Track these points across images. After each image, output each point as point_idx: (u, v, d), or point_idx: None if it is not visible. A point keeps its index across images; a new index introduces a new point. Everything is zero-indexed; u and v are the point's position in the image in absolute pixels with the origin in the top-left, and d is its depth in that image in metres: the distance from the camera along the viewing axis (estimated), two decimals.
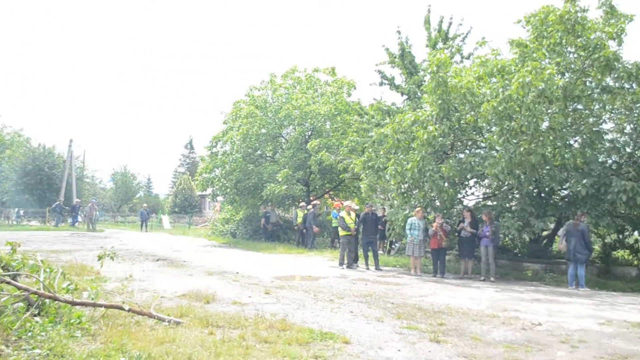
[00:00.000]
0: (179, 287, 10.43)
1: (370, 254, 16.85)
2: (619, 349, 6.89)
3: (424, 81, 18.64)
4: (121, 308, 6.93)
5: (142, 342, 5.82)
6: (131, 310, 6.95)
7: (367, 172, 17.68)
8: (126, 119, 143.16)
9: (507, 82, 13.91)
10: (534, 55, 14.37)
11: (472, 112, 14.98)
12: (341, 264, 16.38)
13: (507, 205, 16.57)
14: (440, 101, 15.02)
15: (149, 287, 10.42)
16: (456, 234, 16.02)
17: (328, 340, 6.60)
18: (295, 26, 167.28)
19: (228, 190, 27.14)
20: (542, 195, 16.28)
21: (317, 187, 28.38)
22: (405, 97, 21.38)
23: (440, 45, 20.48)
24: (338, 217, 17.55)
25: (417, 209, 15.80)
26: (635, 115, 15.12)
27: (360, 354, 6.11)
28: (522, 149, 13.48)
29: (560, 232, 15.34)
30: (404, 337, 7.02)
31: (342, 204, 18.66)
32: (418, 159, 14.97)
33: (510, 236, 16.28)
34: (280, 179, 24.26)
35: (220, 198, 32.38)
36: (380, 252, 18.72)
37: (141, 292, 9.60)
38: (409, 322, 7.99)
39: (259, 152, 27.91)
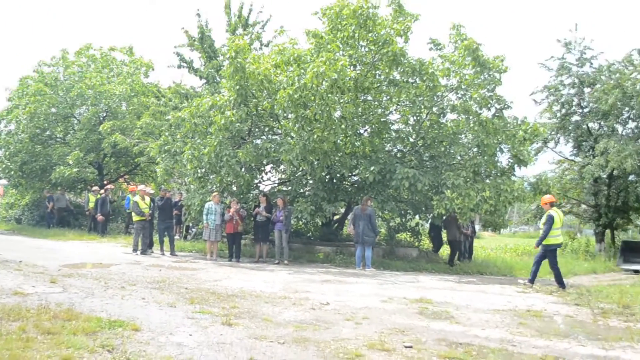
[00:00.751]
0: None
1: (166, 239, 16.78)
2: (398, 324, 7.51)
3: (223, 66, 18.84)
4: None
5: None
6: None
7: (163, 156, 17.49)
8: None
9: (302, 71, 14.55)
10: (329, 46, 15.24)
11: (269, 99, 15.49)
12: (135, 250, 16.10)
13: (301, 190, 17.47)
14: (238, 87, 15.32)
15: None
16: (252, 219, 16.52)
17: (117, 328, 6.51)
18: (90, 2, 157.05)
19: (12, 173, 25.49)
20: (334, 181, 17.42)
21: (112, 170, 27.43)
22: (204, 81, 21.45)
23: (240, 31, 20.87)
24: (131, 201, 17.17)
25: (214, 193, 16.04)
26: (418, 107, 16.71)
27: (151, 341, 6.12)
28: (315, 136, 14.31)
29: (350, 216, 16.52)
30: (196, 322, 7.12)
31: (137, 188, 18.26)
32: (215, 143, 15.17)
33: (303, 220, 17.17)
34: (71, 162, 23.03)
35: (3, 181, 29.77)
36: (176, 237, 18.71)
37: None
38: (202, 307, 8.10)
39: (48, 132, 26.21)
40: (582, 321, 8.47)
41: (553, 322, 8.25)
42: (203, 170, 16.31)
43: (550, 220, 12.29)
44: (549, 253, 12.57)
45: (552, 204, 12.86)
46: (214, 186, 16.75)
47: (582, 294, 11.42)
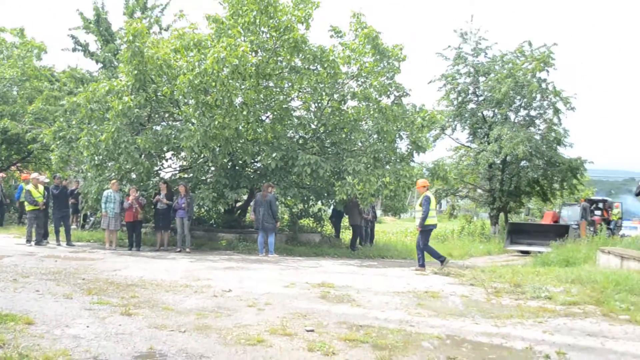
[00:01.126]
0: None
1: (62, 229, 16.29)
2: (300, 308, 7.62)
3: (121, 50, 18.45)
4: None
5: None
6: None
7: (58, 142, 16.95)
8: None
9: (203, 56, 14.57)
10: (230, 32, 15.27)
11: (169, 85, 15.41)
12: (29, 240, 15.54)
13: (203, 177, 17.43)
14: (136, 72, 15.09)
15: None
16: (152, 207, 16.37)
17: (9, 322, 6.28)
18: None
19: None
20: (236, 167, 17.52)
21: (2, 158, 26.09)
22: (100, 65, 20.92)
23: (138, 14, 20.48)
24: (24, 190, 16.56)
25: (113, 181, 15.78)
26: (320, 94, 17.05)
27: (45, 334, 5.95)
28: (216, 122, 14.36)
29: (252, 202, 16.68)
30: (93, 313, 7.00)
31: (29, 176, 17.59)
32: (113, 130, 14.90)
33: (205, 207, 17.16)
34: None
35: None
36: (73, 226, 18.23)
37: None
38: (100, 297, 7.96)
39: None
40: (477, 300, 8.89)
41: (450, 302, 8.64)
42: (100, 157, 15.99)
43: (428, 201, 12.82)
44: (425, 233, 13.07)
45: (427, 187, 13.36)
46: (112, 173, 16.48)
47: (477, 274, 11.96)
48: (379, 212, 32.48)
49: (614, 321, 7.45)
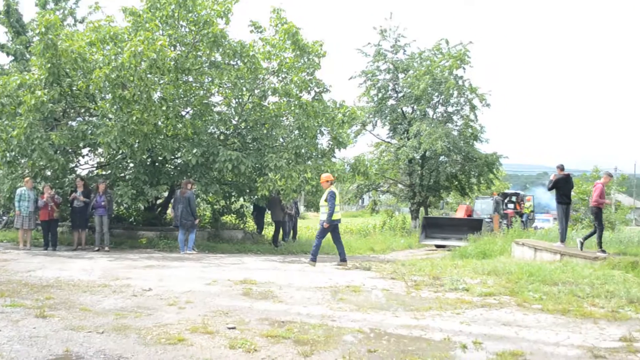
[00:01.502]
0: None
1: None
2: (222, 306, 7.54)
3: (33, 42, 17.91)
4: None
5: None
6: None
7: None
8: None
9: (120, 50, 14.35)
10: (147, 25, 15.09)
11: (85, 79, 15.03)
12: None
13: (122, 174, 17.15)
14: (49, 65, 14.67)
15: None
16: (68, 205, 16.01)
17: None
18: None
19: None
20: (156, 164, 17.35)
21: None
22: (11, 58, 20.22)
23: (51, 5, 19.91)
24: None
25: (26, 179, 15.30)
26: (240, 90, 17.13)
27: None
28: (134, 118, 14.17)
29: (172, 199, 16.58)
30: (6, 316, 6.73)
31: None
32: (25, 125, 14.44)
33: (125, 205, 16.89)
34: None
35: None
36: None
37: None
38: (14, 300, 7.66)
39: None
40: (397, 294, 9.06)
41: (371, 296, 8.76)
42: (12, 153, 15.45)
43: (333, 197, 12.87)
44: (327, 229, 13.09)
45: (331, 182, 13.39)
46: (26, 171, 15.97)
47: (397, 268, 12.24)
48: (301, 208, 32.85)
49: (527, 310, 7.78)
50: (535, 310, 7.82)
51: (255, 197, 17.48)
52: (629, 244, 15.39)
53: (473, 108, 30.55)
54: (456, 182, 32.30)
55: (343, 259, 13.08)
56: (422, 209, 31.66)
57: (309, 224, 33.01)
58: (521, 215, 32.44)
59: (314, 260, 12.89)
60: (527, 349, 5.79)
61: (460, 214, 27.59)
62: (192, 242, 15.06)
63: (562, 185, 14.36)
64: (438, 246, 24.63)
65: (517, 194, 34.24)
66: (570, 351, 5.77)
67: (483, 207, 29.24)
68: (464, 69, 29.34)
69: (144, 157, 16.28)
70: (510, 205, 32.43)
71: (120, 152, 16.34)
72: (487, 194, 33.50)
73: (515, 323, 7.02)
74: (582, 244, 13.43)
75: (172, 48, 15.75)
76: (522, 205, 33.44)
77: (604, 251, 12.90)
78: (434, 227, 25.36)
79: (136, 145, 15.42)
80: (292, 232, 20.55)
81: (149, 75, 14.11)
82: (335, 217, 12.93)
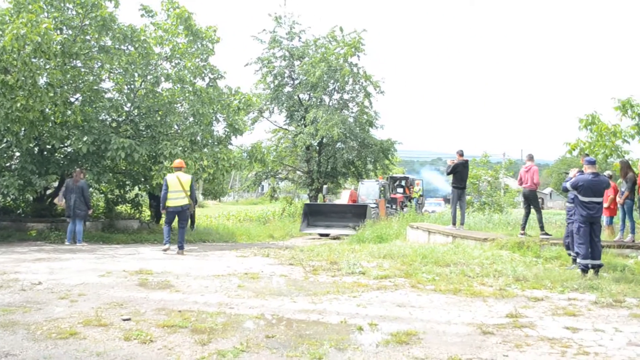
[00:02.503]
0: None
1: None
2: (116, 297, 7.43)
3: None
4: None
5: None
6: None
7: None
8: None
9: (0, 32, 13.70)
10: (30, 7, 14.41)
11: None
12: None
13: (7, 163, 16.34)
14: None
15: None
16: None
17: None
18: None
19: None
20: (44, 152, 16.67)
21: None
22: None
23: None
24: None
25: None
26: (132, 76, 16.77)
27: None
28: (19, 104, 13.56)
29: (62, 189, 15.99)
30: None
31: None
32: None
33: (11, 196, 16.16)
34: None
35: None
36: None
37: None
38: None
39: None
40: (296, 279, 9.27)
41: (269, 283, 8.90)
42: None
43: (165, 184, 12.90)
44: (168, 214, 13.19)
45: (178, 169, 13.13)
46: None
47: (296, 254, 12.50)
48: (200, 197, 32.54)
49: (421, 291, 8.20)
50: (429, 291, 8.25)
51: (150, 185, 17.14)
52: (516, 225, 16.39)
53: (367, 95, 31.33)
54: (353, 168, 33.03)
55: (167, 242, 13.11)
56: (320, 195, 32.20)
57: (208, 212, 32.84)
58: (410, 199, 32.62)
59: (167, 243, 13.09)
60: (421, 328, 6.11)
61: (344, 199, 26.14)
62: (81, 233, 14.58)
63: (461, 170, 14.96)
64: (322, 235, 24.07)
65: (406, 178, 34.36)
66: (461, 329, 6.16)
67: (369, 191, 27.90)
68: (358, 56, 30.01)
69: (31, 145, 15.65)
70: (400, 190, 32.50)
71: (5, 140, 15.54)
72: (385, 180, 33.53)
73: (409, 304, 7.37)
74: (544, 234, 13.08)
75: (58, 31, 15.19)
76: (412, 189, 33.59)
77: (547, 234, 13.06)
78: (316, 215, 24.31)
79: (22, 133, 14.81)
80: (189, 220, 20.38)
81: (33, 60, 13.57)
82: (168, 203, 12.91)
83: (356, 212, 23.18)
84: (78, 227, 14.55)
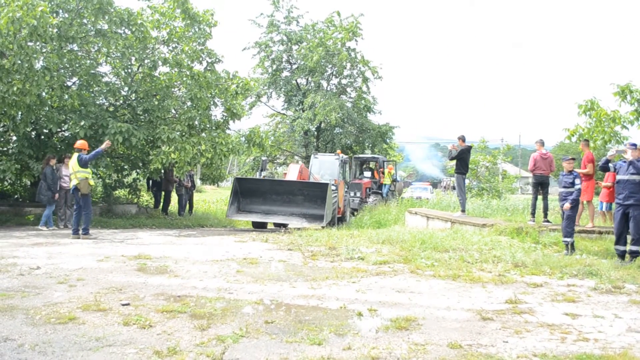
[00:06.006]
0: None
1: None
2: (115, 282, 7.40)
3: None
4: None
5: None
6: None
7: None
8: None
9: None
10: None
11: None
12: None
13: (4, 148, 16.26)
14: None
15: None
16: None
17: None
18: None
19: None
20: (42, 137, 16.60)
21: None
22: None
23: None
24: None
25: None
26: (129, 59, 16.63)
27: None
28: (15, 88, 13.50)
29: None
30: None
31: None
32: None
33: (9, 180, 16.06)
34: None
35: None
36: None
37: None
38: None
39: None
40: (294, 264, 9.29)
41: (268, 268, 8.90)
42: None
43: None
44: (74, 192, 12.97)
45: (79, 150, 12.92)
46: None
47: (294, 239, 12.49)
48: (197, 181, 32.50)
49: (420, 277, 8.20)
50: (428, 277, 8.24)
51: (149, 170, 17.06)
52: (514, 211, 16.37)
53: (365, 80, 31.19)
54: (351, 153, 32.93)
55: (85, 231, 12.80)
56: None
57: (206, 197, 32.77)
58: (380, 186, 27.31)
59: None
60: (420, 314, 6.10)
61: (292, 176, 18.59)
62: (45, 217, 14.51)
63: (465, 156, 14.84)
64: (257, 225, 17.92)
65: (375, 159, 28.72)
66: (461, 314, 6.15)
67: (324, 169, 21.39)
68: (356, 41, 29.83)
69: (28, 129, 15.58)
70: (367, 174, 27.57)
71: (2, 124, 15.47)
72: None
73: (408, 289, 7.36)
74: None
75: (55, 15, 15.06)
76: (382, 173, 27.56)
77: (548, 221, 13.01)
78: (251, 196, 17.35)
79: (19, 118, 14.72)
80: (188, 205, 20.40)
81: (29, 43, 13.51)
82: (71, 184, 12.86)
83: (311, 194, 16.93)
84: (45, 212, 14.55)
